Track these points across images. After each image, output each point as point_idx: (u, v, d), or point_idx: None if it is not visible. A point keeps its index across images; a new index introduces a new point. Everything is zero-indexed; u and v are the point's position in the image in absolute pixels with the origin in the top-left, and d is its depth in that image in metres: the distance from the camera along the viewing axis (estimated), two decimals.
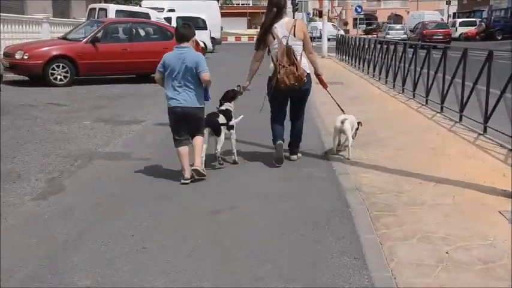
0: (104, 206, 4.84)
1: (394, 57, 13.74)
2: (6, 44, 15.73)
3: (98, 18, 19.48)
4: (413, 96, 11.49)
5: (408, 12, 65.26)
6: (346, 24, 64.73)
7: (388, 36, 36.66)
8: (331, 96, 6.90)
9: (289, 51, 5.90)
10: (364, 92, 13.15)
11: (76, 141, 7.43)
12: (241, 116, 6.37)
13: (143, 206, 4.83)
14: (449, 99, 9.33)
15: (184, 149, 5.52)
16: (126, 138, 7.75)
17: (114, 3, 27.12)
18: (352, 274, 3.51)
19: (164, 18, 22.25)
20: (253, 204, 4.90)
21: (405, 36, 38.04)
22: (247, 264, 3.67)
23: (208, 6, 31.47)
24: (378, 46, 16.33)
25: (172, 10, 27.40)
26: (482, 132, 7.72)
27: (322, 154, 6.70)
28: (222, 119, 6.01)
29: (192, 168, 5.46)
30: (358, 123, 6.87)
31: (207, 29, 27.05)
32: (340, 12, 43.65)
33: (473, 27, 46.09)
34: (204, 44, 23.26)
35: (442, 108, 9.70)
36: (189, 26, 5.63)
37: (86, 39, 13.97)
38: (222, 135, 5.98)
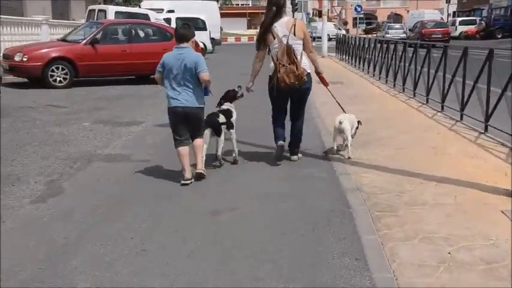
0: (103, 208, 4.81)
1: (394, 56, 13.72)
2: (6, 46, 15.70)
3: (97, 19, 19.48)
4: (414, 95, 11.47)
5: (408, 11, 65.35)
6: (346, 23, 64.66)
7: (387, 35, 36.64)
8: (332, 95, 6.89)
9: (289, 50, 5.89)
10: (364, 92, 13.12)
11: (75, 143, 7.41)
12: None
13: (143, 207, 4.81)
14: (450, 98, 9.30)
15: (184, 149, 5.51)
16: (125, 139, 7.73)
17: (114, 5, 27.16)
18: (354, 275, 3.49)
19: (163, 19, 22.23)
20: (253, 204, 4.88)
21: (404, 35, 38.03)
22: (247, 265, 3.65)
23: (207, 7, 31.52)
24: (378, 45, 16.31)
25: (171, 11, 27.39)
26: (483, 131, 7.69)
27: (322, 154, 6.68)
28: (222, 118, 6.01)
29: (196, 171, 5.53)
30: (358, 122, 6.86)
31: (206, 30, 27.00)
32: (340, 12, 43.58)
33: (473, 26, 46.14)
34: (204, 44, 23.22)
35: (442, 107, 9.68)
36: (188, 26, 5.63)
37: (85, 41, 13.95)
38: (222, 136, 5.97)
